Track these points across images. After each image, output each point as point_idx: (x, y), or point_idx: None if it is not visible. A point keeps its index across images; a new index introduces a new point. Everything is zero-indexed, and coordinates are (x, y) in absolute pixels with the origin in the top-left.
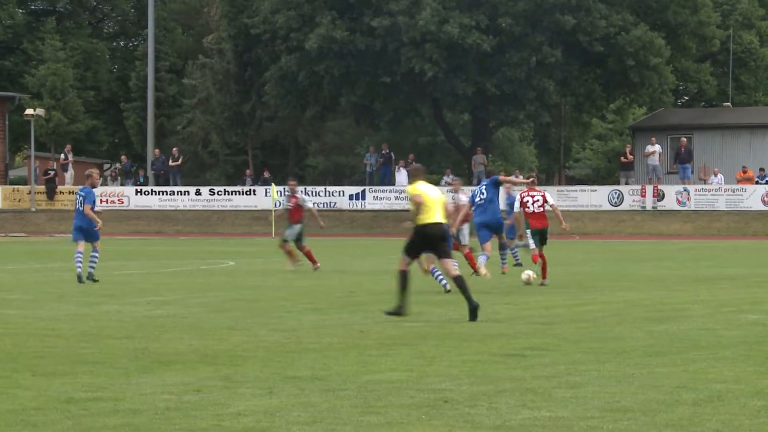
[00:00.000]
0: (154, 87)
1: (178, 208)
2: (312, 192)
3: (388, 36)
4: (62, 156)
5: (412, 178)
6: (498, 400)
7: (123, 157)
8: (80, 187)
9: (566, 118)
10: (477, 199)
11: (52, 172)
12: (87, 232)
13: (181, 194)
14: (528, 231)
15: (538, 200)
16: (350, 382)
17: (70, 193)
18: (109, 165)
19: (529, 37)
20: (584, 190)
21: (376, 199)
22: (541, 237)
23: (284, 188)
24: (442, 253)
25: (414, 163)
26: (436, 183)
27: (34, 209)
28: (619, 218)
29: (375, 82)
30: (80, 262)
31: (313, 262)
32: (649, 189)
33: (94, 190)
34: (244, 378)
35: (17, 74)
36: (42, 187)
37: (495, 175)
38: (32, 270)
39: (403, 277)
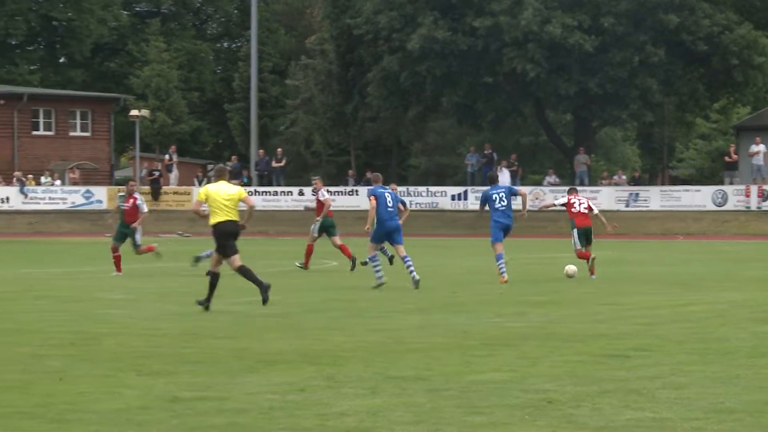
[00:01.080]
0: (257, 88)
1: (281, 209)
2: (414, 192)
3: (489, 36)
4: (167, 157)
5: (214, 178)
6: (601, 401)
7: (233, 158)
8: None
9: (669, 117)
10: (498, 204)
11: (157, 173)
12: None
13: (285, 194)
14: (574, 231)
15: (583, 202)
16: (453, 382)
17: (174, 193)
18: (212, 165)
19: (632, 37)
20: (688, 191)
21: (478, 199)
22: (586, 236)
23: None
24: (229, 251)
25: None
26: (539, 183)
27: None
28: (723, 218)
29: (477, 82)
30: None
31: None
32: (754, 189)
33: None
34: (346, 378)
35: (122, 76)
36: (147, 188)
37: (512, 186)
38: (136, 271)
39: (214, 278)
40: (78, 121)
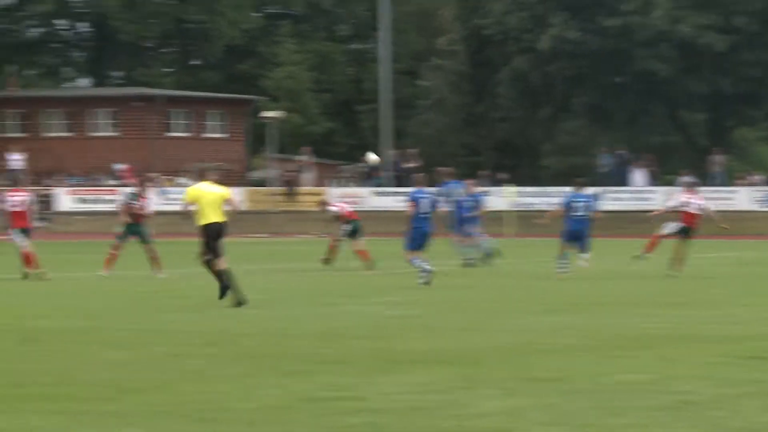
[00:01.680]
0: (388, 89)
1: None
2: (547, 193)
3: (620, 36)
4: (302, 158)
5: (197, 177)
6: (741, 403)
7: (366, 158)
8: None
9: None
10: (582, 212)
11: (292, 174)
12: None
13: None
14: (677, 224)
15: (696, 203)
16: (590, 383)
17: (309, 194)
18: (347, 166)
19: (765, 36)
20: None
21: (612, 200)
22: (686, 232)
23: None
24: (217, 252)
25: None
26: (670, 184)
27: (277, 210)
28: None
29: (607, 82)
30: None
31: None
32: None
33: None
34: (483, 379)
35: (255, 77)
36: (282, 189)
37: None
38: (273, 270)
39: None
40: (213, 123)
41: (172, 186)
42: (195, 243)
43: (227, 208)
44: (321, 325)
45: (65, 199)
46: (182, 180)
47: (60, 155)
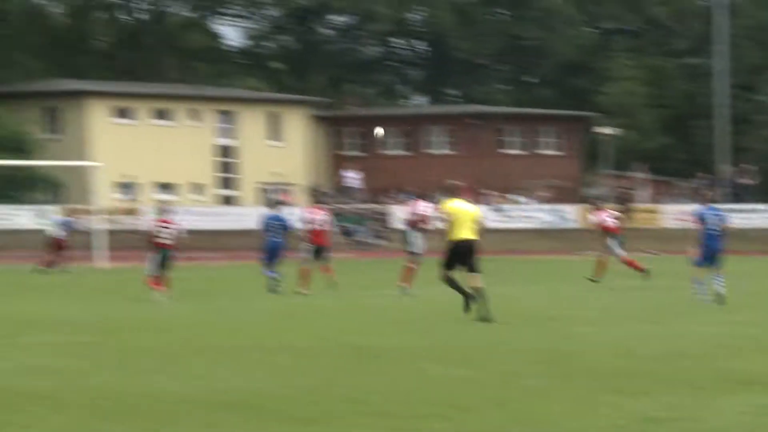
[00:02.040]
0: (724, 104)
1: (755, 227)
2: None
3: None
4: (636, 174)
5: (448, 194)
6: None
7: (701, 175)
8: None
9: None
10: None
11: (626, 191)
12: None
13: (757, 212)
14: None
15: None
16: None
17: (645, 211)
18: (687, 183)
19: None
20: None
21: None
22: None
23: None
24: (470, 267)
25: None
26: None
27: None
28: None
29: None
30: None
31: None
32: None
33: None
34: None
35: (589, 93)
36: (618, 206)
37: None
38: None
39: (451, 282)
40: (547, 140)
41: (505, 203)
42: (544, 261)
43: (478, 226)
44: (657, 345)
45: (402, 215)
46: (516, 197)
47: (396, 173)
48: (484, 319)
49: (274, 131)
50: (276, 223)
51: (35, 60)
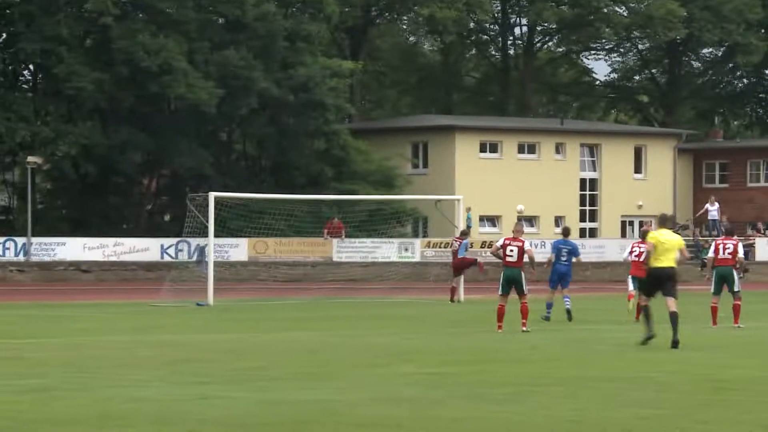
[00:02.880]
0: None
1: None
2: None
3: None
4: None
5: (658, 225)
6: None
7: None
8: None
9: None
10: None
11: None
12: None
13: None
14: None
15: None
16: None
17: None
18: None
19: None
20: None
21: None
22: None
23: None
24: (667, 292)
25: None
26: None
27: None
28: None
29: None
30: None
31: None
32: None
33: None
34: None
35: None
36: None
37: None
38: None
39: (646, 311)
40: None
41: None
42: None
43: (679, 256)
44: None
45: (765, 249)
46: None
47: (760, 205)
48: (674, 344)
49: (638, 164)
50: (565, 248)
51: (406, 96)
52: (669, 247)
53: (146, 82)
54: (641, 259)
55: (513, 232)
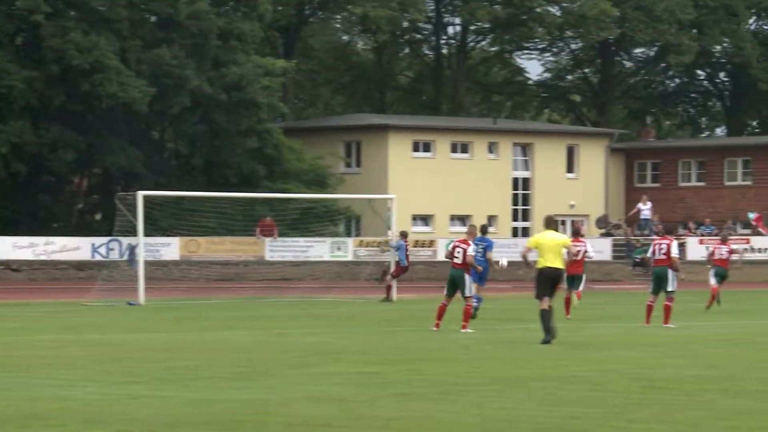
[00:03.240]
0: None
1: None
2: None
3: None
4: None
5: (544, 226)
6: None
7: None
8: None
9: None
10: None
11: None
12: None
13: None
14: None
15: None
16: None
17: None
18: None
19: None
20: None
21: None
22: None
23: None
24: (547, 292)
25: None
26: None
27: None
28: None
29: None
30: None
31: None
32: None
33: None
34: None
35: None
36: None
37: None
38: None
39: (545, 314)
40: None
41: None
42: None
43: (565, 255)
44: None
45: (695, 248)
46: None
47: (691, 205)
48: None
49: (570, 163)
50: (481, 244)
51: (339, 95)
52: (554, 248)
53: (78, 81)
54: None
55: (466, 234)
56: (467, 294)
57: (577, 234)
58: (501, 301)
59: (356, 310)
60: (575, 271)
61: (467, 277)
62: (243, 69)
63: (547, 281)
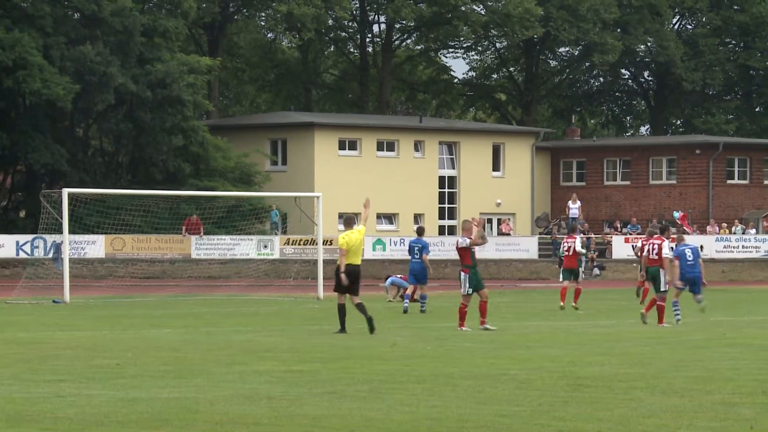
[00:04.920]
0: None
1: None
2: None
3: None
4: None
5: (345, 226)
6: None
7: None
8: None
9: None
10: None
11: None
12: None
13: None
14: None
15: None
16: None
17: None
18: None
19: None
20: None
21: None
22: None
23: None
24: (353, 291)
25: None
26: None
27: None
28: None
29: None
30: None
31: None
32: None
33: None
34: None
35: None
36: None
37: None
38: None
39: (341, 310)
40: None
41: (727, 233)
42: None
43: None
44: None
45: (622, 247)
46: (739, 228)
47: (616, 203)
48: (370, 321)
49: (496, 162)
50: (417, 246)
51: (265, 93)
52: (358, 246)
53: (0, 77)
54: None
55: (463, 231)
56: (462, 293)
57: (572, 231)
58: (429, 300)
59: (284, 309)
60: (570, 265)
61: (462, 274)
62: (168, 66)
63: (349, 278)
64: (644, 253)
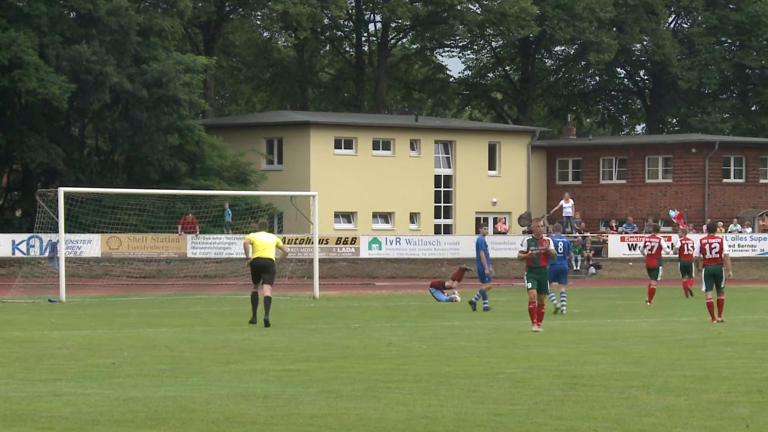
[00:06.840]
0: None
1: None
2: None
3: None
4: None
5: (258, 228)
6: None
7: None
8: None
9: None
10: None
11: None
12: None
13: None
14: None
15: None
16: None
17: None
18: None
19: None
20: None
21: None
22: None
23: None
24: (266, 280)
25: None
26: None
27: None
28: None
29: None
30: None
31: None
32: None
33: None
34: None
35: None
36: None
37: None
38: None
39: (254, 298)
40: None
41: (724, 232)
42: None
43: (279, 252)
44: None
45: (618, 246)
46: (735, 226)
47: (612, 202)
48: (266, 323)
49: (492, 161)
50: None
51: (260, 92)
52: (266, 243)
53: None
54: (653, 253)
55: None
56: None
57: (655, 231)
58: (426, 299)
59: (280, 308)
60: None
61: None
62: (163, 66)
63: (261, 269)
64: (705, 254)
